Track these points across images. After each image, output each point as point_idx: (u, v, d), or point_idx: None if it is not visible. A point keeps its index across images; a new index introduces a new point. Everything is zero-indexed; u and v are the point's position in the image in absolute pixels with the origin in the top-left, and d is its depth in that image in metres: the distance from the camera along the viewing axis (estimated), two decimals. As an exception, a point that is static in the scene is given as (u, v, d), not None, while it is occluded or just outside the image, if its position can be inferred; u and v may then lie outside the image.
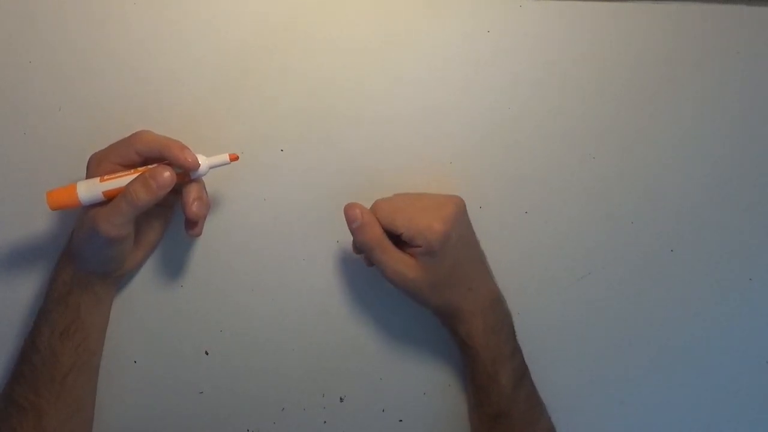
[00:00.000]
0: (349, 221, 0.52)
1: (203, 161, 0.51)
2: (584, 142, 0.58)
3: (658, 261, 0.59)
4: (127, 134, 0.52)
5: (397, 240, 0.52)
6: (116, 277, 0.55)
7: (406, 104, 0.58)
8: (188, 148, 0.50)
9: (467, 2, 0.57)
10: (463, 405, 0.58)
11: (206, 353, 0.58)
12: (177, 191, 0.51)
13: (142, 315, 0.57)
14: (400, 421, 0.58)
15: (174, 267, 0.57)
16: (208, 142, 0.57)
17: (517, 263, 0.58)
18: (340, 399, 0.58)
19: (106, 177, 0.49)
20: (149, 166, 0.50)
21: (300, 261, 0.58)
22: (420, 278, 0.51)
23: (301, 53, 0.57)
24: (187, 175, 0.51)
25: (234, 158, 0.52)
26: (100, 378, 0.57)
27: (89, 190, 0.49)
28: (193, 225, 0.53)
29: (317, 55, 0.57)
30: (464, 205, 0.53)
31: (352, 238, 0.54)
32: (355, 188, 0.57)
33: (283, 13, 0.57)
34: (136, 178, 0.49)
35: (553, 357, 0.58)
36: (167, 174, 0.49)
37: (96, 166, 0.50)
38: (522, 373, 0.54)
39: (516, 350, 0.54)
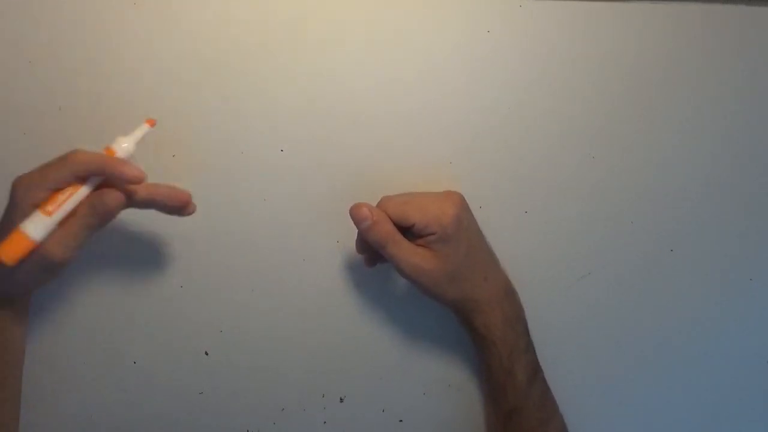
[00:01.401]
0: (359, 221, 0.51)
1: (128, 141, 0.49)
2: (584, 142, 0.58)
3: (658, 261, 0.59)
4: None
5: (407, 236, 0.52)
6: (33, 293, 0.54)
7: (406, 104, 0.58)
8: (128, 162, 0.48)
9: (467, 2, 0.57)
10: (463, 404, 0.58)
11: (206, 353, 0.58)
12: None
13: (142, 315, 0.57)
14: (400, 421, 0.58)
15: (174, 267, 0.57)
16: (208, 142, 0.57)
17: (517, 263, 0.57)
18: (340, 399, 0.58)
19: (49, 208, 0.46)
20: (88, 185, 0.47)
21: (300, 261, 0.58)
22: (437, 269, 0.51)
23: (301, 53, 0.57)
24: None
25: (151, 123, 0.51)
26: (100, 378, 0.57)
27: (41, 228, 0.46)
28: (184, 205, 0.51)
29: (317, 55, 0.57)
30: (465, 199, 0.54)
31: (353, 238, 0.54)
32: (354, 188, 0.57)
33: (283, 13, 0.57)
34: (88, 204, 0.46)
35: (552, 357, 0.58)
36: (116, 196, 0.47)
37: (25, 193, 0.46)
38: (535, 369, 0.54)
39: (530, 345, 0.54)
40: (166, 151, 0.57)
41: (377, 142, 0.58)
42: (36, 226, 0.46)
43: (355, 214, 0.51)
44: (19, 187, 0.47)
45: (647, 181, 0.58)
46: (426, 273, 0.51)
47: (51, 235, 0.46)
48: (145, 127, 0.50)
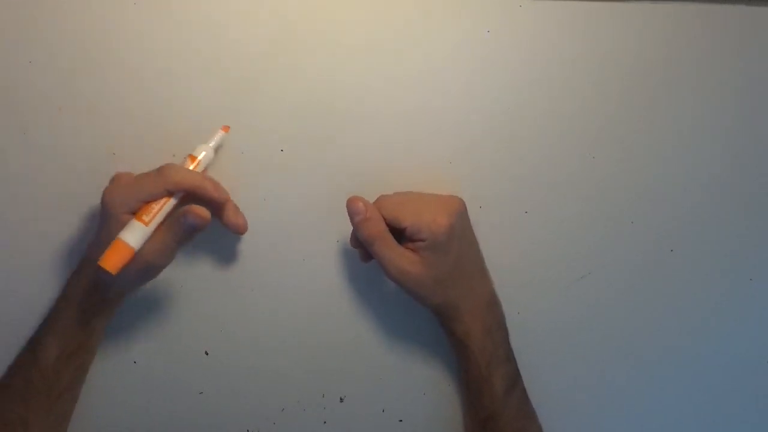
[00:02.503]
0: (353, 214, 0.52)
1: (208, 149, 0.54)
2: (584, 142, 0.58)
3: (658, 261, 0.59)
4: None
5: (398, 237, 0.52)
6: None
7: (406, 104, 0.58)
8: (220, 185, 0.53)
9: (467, 2, 0.57)
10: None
11: (206, 353, 0.58)
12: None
13: (143, 315, 0.57)
14: (400, 421, 0.58)
15: (174, 267, 0.57)
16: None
17: (517, 263, 0.57)
18: (340, 399, 0.58)
19: (145, 218, 0.50)
20: (175, 197, 0.51)
21: (300, 261, 0.58)
22: (422, 274, 0.51)
23: (301, 53, 0.57)
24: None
25: (226, 130, 0.55)
26: (100, 378, 0.57)
27: (140, 237, 0.49)
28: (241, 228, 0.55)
29: (317, 55, 0.57)
30: (465, 205, 0.54)
31: (351, 232, 0.54)
32: (354, 188, 0.57)
33: (282, 13, 0.57)
34: (178, 222, 0.50)
35: (552, 357, 0.58)
36: (203, 217, 0.50)
37: (121, 204, 0.50)
38: (515, 380, 0.54)
39: (510, 355, 0.54)
40: (166, 151, 0.57)
41: (377, 142, 0.58)
42: (135, 236, 0.49)
43: (350, 206, 0.52)
44: (114, 198, 0.50)
45: (647, 181, 0.58)
46: (411, 277, 0.51)
47: (150, 246, 0.50)
48: (221, 134, 0.55)
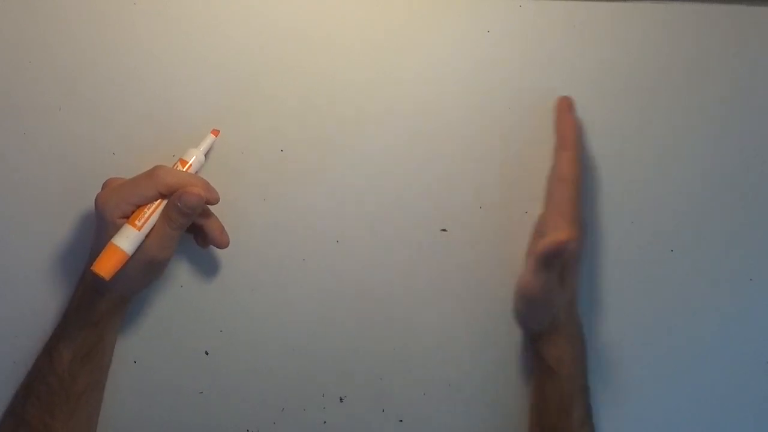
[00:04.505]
0: (560, 252, 0.49)
1: (199, 153, 0.54)
2: (584, 142, 0.58)
3: (658, 261, 0.59)
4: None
5: None
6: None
7: (406, 104, 0.58)
8: (211, 186, 0.52)
9: (467, 2, 0.57)
10: (463, 404, 0.58)
11: (206, 353, 0.58)
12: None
13: (142, 315, 0.57)
14: (400, 421, 0.58)
15: (174, 267, 0.57)
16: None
17: (517, 263, 0.57)
18: (340, 399, 0.58)
19: (137, 223, 0.49)
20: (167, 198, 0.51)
21: (300, 261, 0.58)
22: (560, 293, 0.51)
23: (301, 53, 0.57)
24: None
25: (216, 134, 0.55)
26: (100, 378, 0.57)
27: (133, 242, 0.49)
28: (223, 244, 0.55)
29: (317, 55, 0.57)
30: None
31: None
32: (355, 188, 0.57)
33: (282, 13, 0.57)
34: (175, 208, 0.50)
35: (553, 357, 0.58)
36: (198, 196, 0.50)
37: (114, 209, 0.49)
38: (589, 412, 0.53)
39: (587, 385, 0.54)
40: (167, 151, 0.57)
41: (377, 142, 0.58)
42: (129, 241, 0.49)
43: (558, 244, 0.49)
44: (106, 204, 0.50)
45: (647, 181, 0.58)
46: (553, 295, 0.51)
47: (149, 241, 0.50)
48: (211, 138, 0.55)
